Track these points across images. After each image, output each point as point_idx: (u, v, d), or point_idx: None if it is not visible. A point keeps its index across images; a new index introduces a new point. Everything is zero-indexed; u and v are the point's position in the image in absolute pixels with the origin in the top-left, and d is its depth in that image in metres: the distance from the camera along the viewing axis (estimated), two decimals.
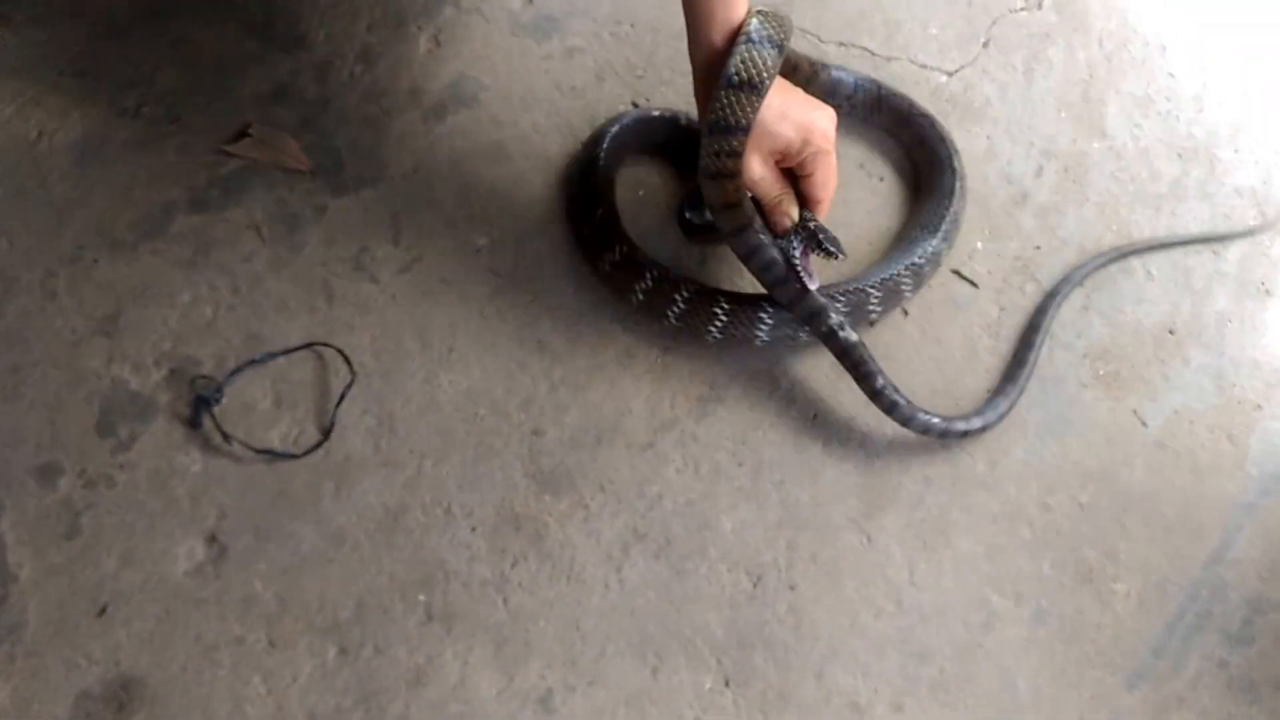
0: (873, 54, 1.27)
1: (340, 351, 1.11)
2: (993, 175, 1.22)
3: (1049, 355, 1.15)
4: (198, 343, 1.11)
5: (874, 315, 1.11)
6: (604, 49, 1.26)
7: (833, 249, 1.01)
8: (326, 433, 1.08)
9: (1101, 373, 1.15)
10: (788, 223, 1.01)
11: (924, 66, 1.26)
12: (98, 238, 1.14)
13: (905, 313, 1.17)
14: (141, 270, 1.13)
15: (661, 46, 1.26)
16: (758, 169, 0.98)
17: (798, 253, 1.01)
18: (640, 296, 1.10)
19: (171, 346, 1.11)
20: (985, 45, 1.28)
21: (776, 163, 0.99)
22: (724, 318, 1.08)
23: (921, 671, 1.03)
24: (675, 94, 1.24)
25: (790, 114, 0.97)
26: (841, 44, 1.27)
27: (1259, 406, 1.15)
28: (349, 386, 1.09)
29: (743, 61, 0.93)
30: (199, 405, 1.08)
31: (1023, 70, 1.27)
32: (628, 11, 1.28)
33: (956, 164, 1.16)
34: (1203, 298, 1.19)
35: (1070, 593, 1.07)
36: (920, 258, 1.11)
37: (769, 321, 1.09)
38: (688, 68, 1.24)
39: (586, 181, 1.15)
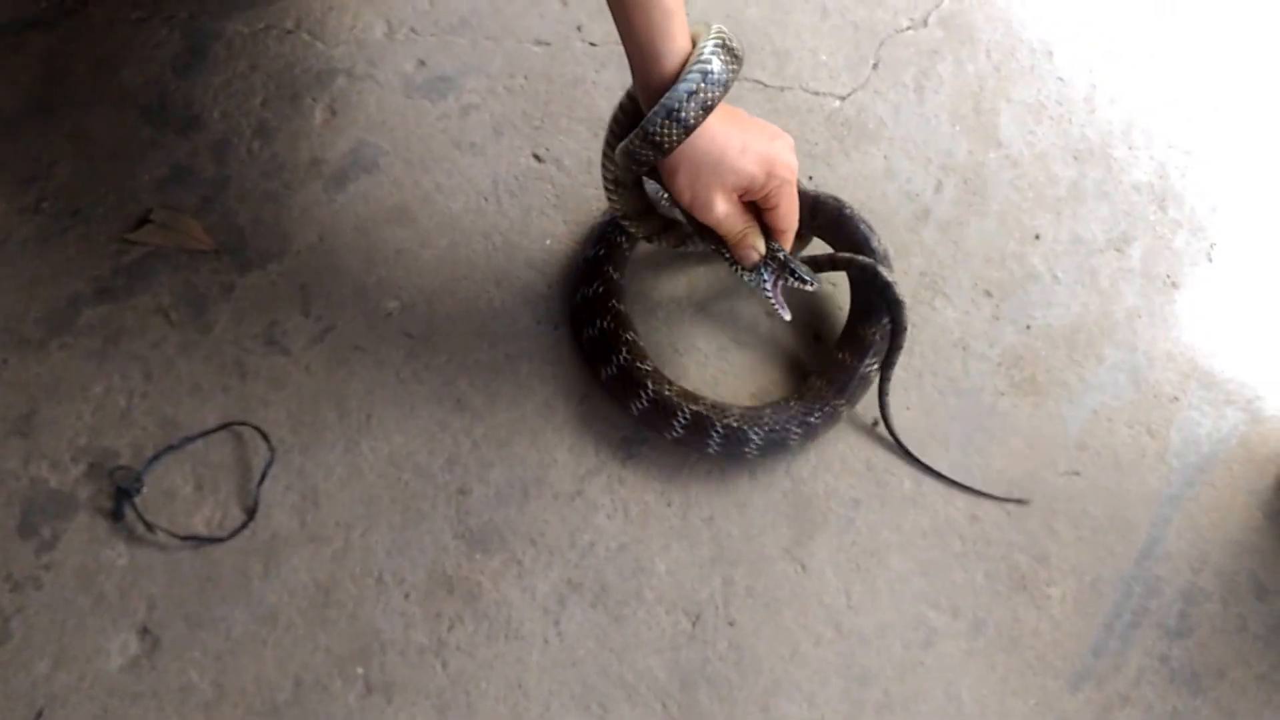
0: (765, 85, 1.28)
1: (258, 429, 1.10)
2: (893, 194, 1.23)
3: (964, 367, 1.16)
4: (114, 434, 1.09)
5: (794, 442, 1.10)
6: (499, 103, 1.26)
7: (805, 278, 0.99)
8: (251, 513, 1.07)
9: (1017, 379, 1.16)
10: (755, 256, 0.98)
11: (816, 93, 1.28)
12: (5, 337, 1.13)
13: (818, 338, 1.18)
14: (52, 366, 1.12)
15: (556, 96, 1.27)
16: (722, 206, 0.95)
17: (769, 285, 0.99)
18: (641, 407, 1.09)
19: (88, 440, 1.09)
20: (875, 67, 1.30)
21: (740, 197, 0.97)
22: (760, 440, 1.07)
23: (866, 695, 1.03)
24: (575, 143, 1.25)
25: (751, 148, 0.93)
26: (744, 80, 1.28)
27: (1175, 399, 1.16)
28: (269, 464, 1.08)
29: (682, 100, 0.89)
30: (120, 497, 1.07)
31: (914, 88, 1.29)
32: (520, 64, 1.28)
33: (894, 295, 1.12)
34: (1110, 296, 1.20)
35: (1006, 601, 1.08)
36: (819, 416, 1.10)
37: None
38: (584, 115, 1.26)
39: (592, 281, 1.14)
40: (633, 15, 0.89)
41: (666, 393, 1.07)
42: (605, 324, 1.11)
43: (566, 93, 1.28)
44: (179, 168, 1.21)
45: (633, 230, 1.06)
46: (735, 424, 1.06)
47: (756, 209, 0.98)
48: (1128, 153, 1.27)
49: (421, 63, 1.28)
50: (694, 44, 0.91)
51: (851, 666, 1.04)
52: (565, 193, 1.23)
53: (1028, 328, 1.19)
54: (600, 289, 1.12)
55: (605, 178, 1.01)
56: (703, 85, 0.88)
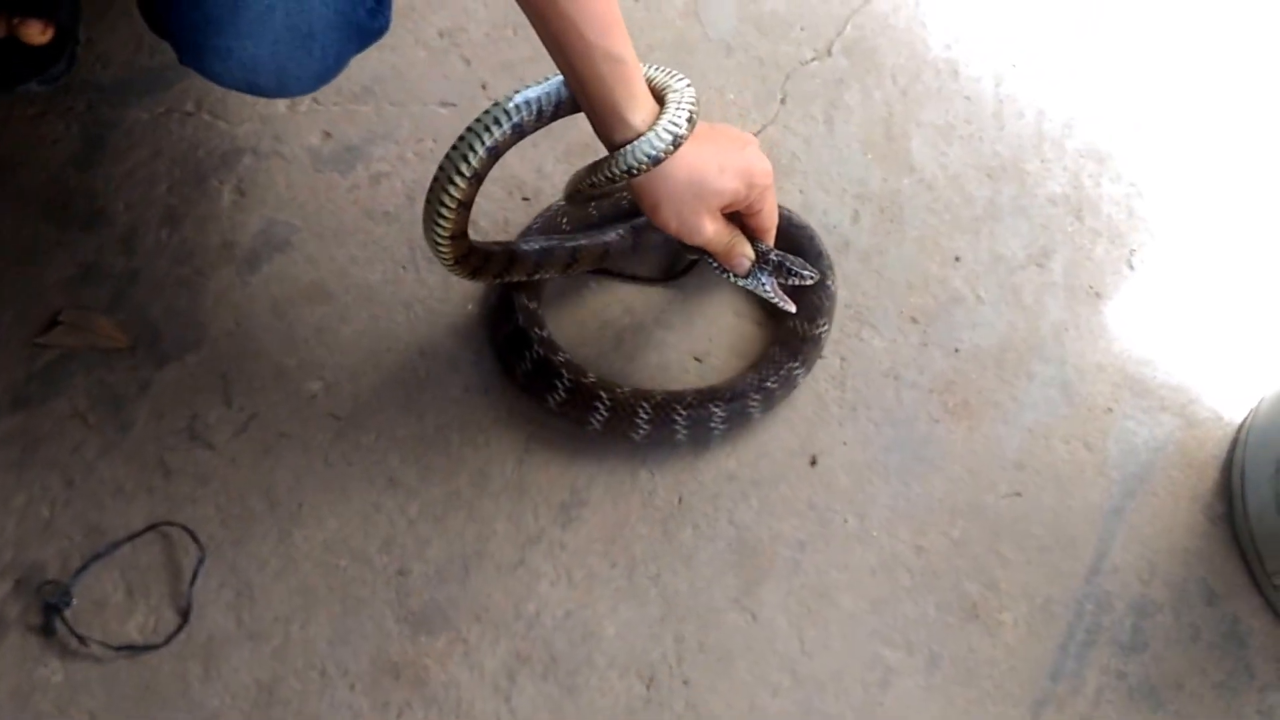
0: None
1: (185, 528, 1.07)
2: (811, 228, 1.23)
3: (897, 396, 1.16)
4: (39, 546, 1.06)
5: (718, 432, 1.11)
6: (410, 169, 1.25)
7: (806, 273, 1.00)
8: (185, 615, 1.04)
9: (950, 404, 1.16)
10: (747, 263, 0.99)
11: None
12: None
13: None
14: None
15: None
16: (709, 228, 0.94)
17: (769, 287, 1.00)
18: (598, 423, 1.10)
19: (13, 556, 1.06)
20: (783, 101, 1.30)
21: (722, 210, 0.96)
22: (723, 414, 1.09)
23: None
24: (489, 203, 1.23)
25: (728, 165, 0.93)
26: None
27: (1109, 410, 1.17)
28: (200, 563, 1.05)
29: (641, 161, 0.89)
30: (49, 612, 1.04)
31: (823, 120, 1.29)
32: (428, 128, 1.27)
33: (830, 282, 1.16)
34: (1035, 312, 1.21)
35: (959, 632, 1.07)
36: (774, 381, 1.11)
37: None
38: (496, 174, 1.23)
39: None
40: (588, 86, 0.87)
41: (620, 393, 1.09)
42: (537, 352, 1.10)
43: None
44: (87, 265, 1.18)
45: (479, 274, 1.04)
46: (695, 404, 1.08)
47: (738, 215, 0.99)
48: (1040, 166, 1.28)
49: (327, 134, 1.27)
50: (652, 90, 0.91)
51: (810, 714, 1.03)
52: None
53: (956, 351, 1.19)
54: (520, 321, 1.11)
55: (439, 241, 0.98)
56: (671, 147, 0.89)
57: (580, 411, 1.08)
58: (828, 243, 1.22)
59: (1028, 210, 1.26)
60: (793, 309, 1.02)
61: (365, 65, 1.30)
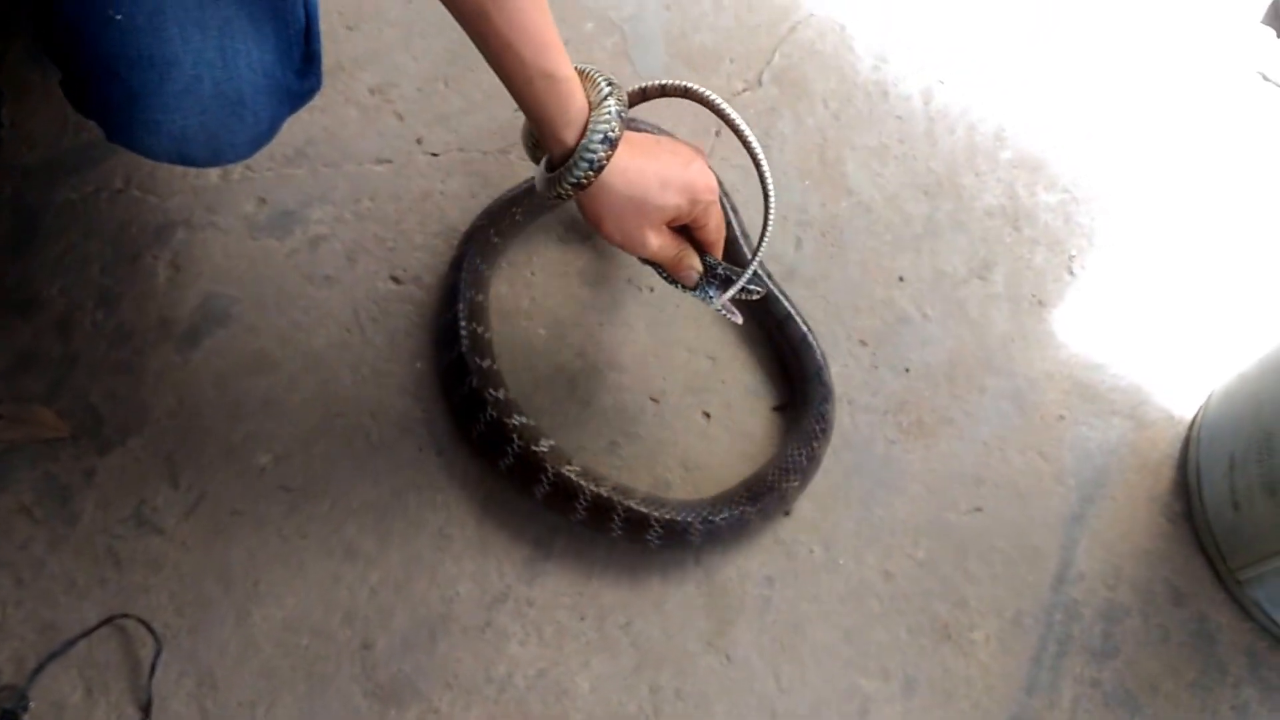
0: None
1: (140, 620, 1.04)
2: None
3: (852, 420, 1.16)
4: None
5: (654, 545, 1.07)
6: (349, 230, 1.23)
7: (751, 289, 0.99)
8: (146, 710, 1.02)
9: (905, 425, 1.16)
10: (695, 275, 0.98)
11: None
12: None
13: (707, 416, 1.16)
14: None
15: (406, 214, 1.24)
16: (654, 241, 0.94)
17: (716, 299, 0.99)
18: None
19: None
20: (718, 134, 1.30)
21: (668, 224, 0.96)
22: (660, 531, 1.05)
23: None
24: (432, 258, 1.22)
25: (670, 180, 0.92)
26: None
27: (1061, 417, 1.17)
28: (158, 654, 1.03)
29: (583, 174, 0.88)
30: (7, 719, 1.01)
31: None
32: (365, 187, 1.26)
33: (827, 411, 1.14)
34: (982, 325, 1.21)
35: (933, 654, 1.07)
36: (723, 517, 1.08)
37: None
38: (438, 228, 1.24)
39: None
40: (526, 102, 0.89)
41: (566, 473, 1.06)
42: (491, 415, 1.08)
43: (416, 208, 1.25)
44: (23, 354, 1.15)
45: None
46: (635, 512, 1.05)
47: (686, 228, 0.99)
48: (975, 180, 1.29)
49: (262, 200, 1.25)
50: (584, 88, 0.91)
51: None
52: (429, 311, 1.20)
53: (907, 371, 1.19)
54: (474, 382, 1.10)
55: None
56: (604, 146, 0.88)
57: (525, 482, 1.07)
58: (774, 273, 1.22)
59: (966, 225, 1.27)
60: (738, 320, 1.01)
61: (297, 127, 1.29)
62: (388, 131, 1.30)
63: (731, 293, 0.98)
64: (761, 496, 1.08)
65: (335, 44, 1.34)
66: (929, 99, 1.34)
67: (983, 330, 1.21)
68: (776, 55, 1.36)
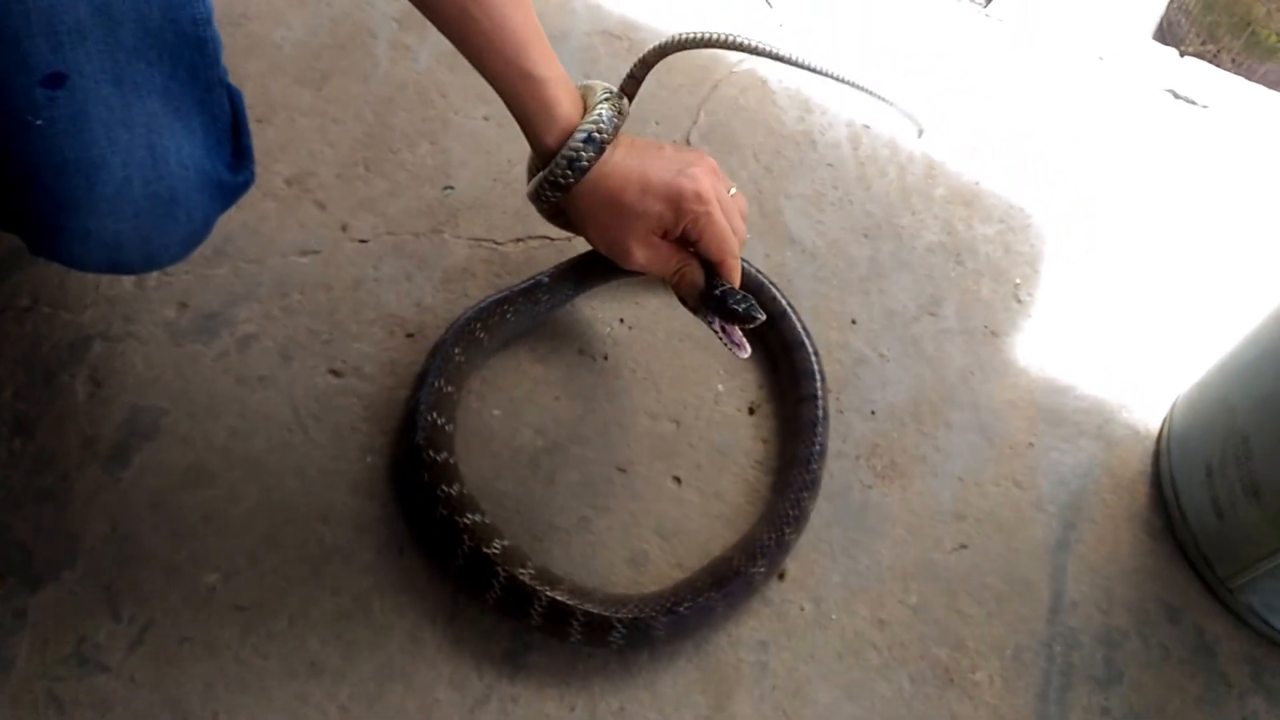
0: (552, 240, 1.24)
1: None
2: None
3: (826, 469, 1.13)
4: None
5: (616, 645, 1.00)
6: (279, 327, 1.17)
7: (752, 314, 0.89)
8: None
9: (879, 468, 1.14)
10: (695, 295, 0.91)
11: None
12: None
13: (678, 480, 1.12)
14: None
15: (340, 303, 1.19)
16: (640, 254, 0.88)
17: (717, 326, 0.91)
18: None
19: None
20: None
21: (663, 236, 0.89)
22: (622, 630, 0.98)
23: None
24: (371, 346, 1.17)
25: (651, 186, 0.86)
26: (517, 240, 1.24)
27: (1030, 444, 1.16)
28: None
29: (564, 169, 0.86)
30: None
31: None
32: (292, 280, 1.20)
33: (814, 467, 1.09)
34: (939, 361, 1.20)
35: (938, 701, 1.03)
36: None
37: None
38: (374, 314, 1.18)
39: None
40: (509, 103, 0.86)
41: (521, 575, 0.99)
42: (441, 513, 1.02)
43: (349, 297, 1.20)
44: None
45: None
46: (594, 615, 0.98)
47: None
48: (913, 219, 1.29)
49: (183, 305, 1.18)
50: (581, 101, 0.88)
51: None
52: (374, 402, 1.14)
53: (872, 413, 1.17)
54: (426, 478, 1.03)
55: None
56: (595, 137, 0.85)
57: (476, 585, 1.01)
58: None
59: (909, 263, 1.26)
60: (744, 354, 0.92)
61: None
62: (310, 221, 1.25)
63: (722, 319, 0.90)
64: (726, 582, 1.02)
65: None
66: (857, 144, 1.34)
67: (941, 365, 1.20)
68: (701, 114, 1.35)
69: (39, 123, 0.79)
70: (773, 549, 1.04)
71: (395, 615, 1.03)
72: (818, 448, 1.10)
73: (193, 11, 0.88)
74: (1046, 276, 1.27)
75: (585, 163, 0.84)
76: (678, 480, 1.12)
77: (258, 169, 1.26)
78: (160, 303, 1.18)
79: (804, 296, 1.23)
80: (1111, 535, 1.12)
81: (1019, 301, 1.25)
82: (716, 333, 0.92)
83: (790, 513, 1.06)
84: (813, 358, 1.13)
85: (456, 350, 1.10)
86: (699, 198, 0.87)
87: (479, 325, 1.12)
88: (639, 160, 0.87)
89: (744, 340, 0.92)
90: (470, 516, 1.01)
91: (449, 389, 1.09)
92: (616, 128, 0.86)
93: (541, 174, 0.86)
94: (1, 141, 0.80)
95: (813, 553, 1.09)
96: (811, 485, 1.08)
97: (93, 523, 1.06)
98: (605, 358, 1.18)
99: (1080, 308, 1.25)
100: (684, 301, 0.93)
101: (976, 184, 1.32)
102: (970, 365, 1.20)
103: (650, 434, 1.14)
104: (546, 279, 1.14)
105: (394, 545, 1.07)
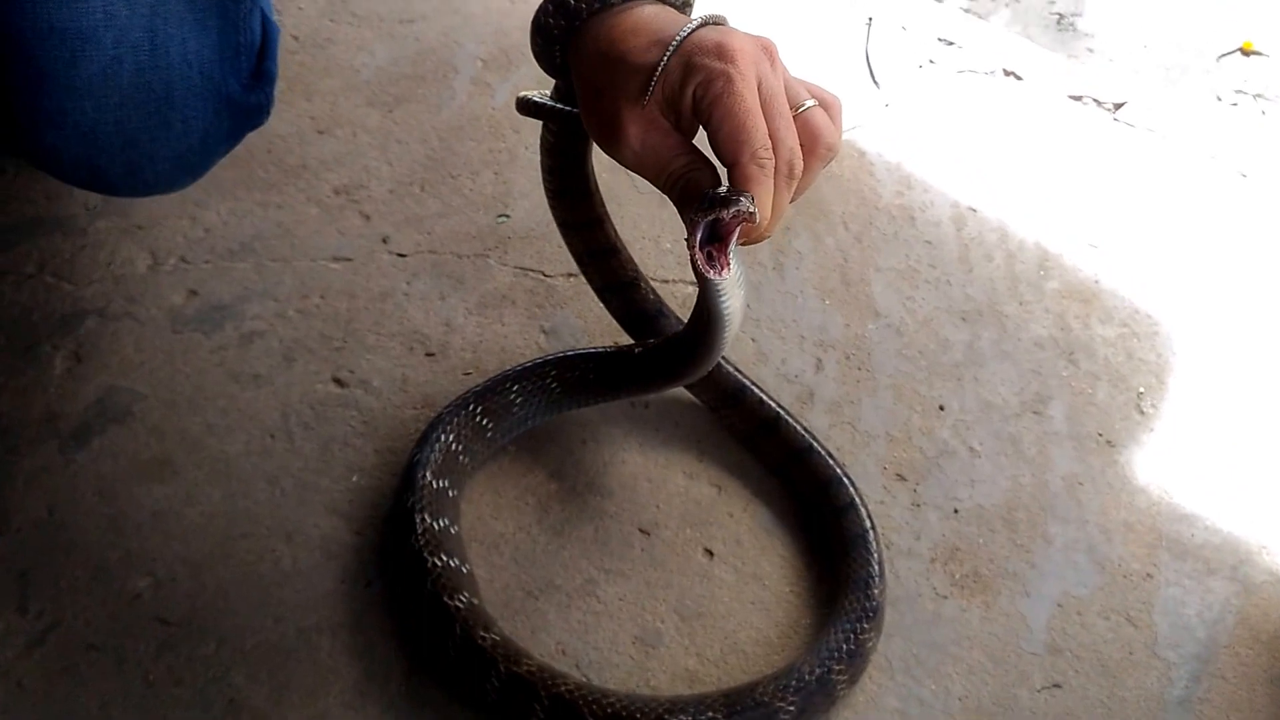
0: None
1: None
2: (769, 378, 1.04)
3: (892, 568, 0.93)
4: None
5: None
6: (290, 327, 1.05)
7: (743, 205, 0.60)
8: None
9: (958, 576, 0.93)
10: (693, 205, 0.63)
11: (666, 281, 1.11)
12: None
13: (710, 554, 0.93)
14: None
15: (361, 313, 1.06)
16: (633, 133, 0.64)
17: (699, 234, 0.62)
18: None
19: None
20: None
21: (675, 123, 0.65)
22: None
23: None
24: (385, 360, 1.03)
25: (663, 32, 0.64)
26: (569, 275, 1.11)
27: (1149, 575, 0.94)
28: None
29: None
30: None
31: (772, 267, 1.14)
32: (316, 283, 1.08)
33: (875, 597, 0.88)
34: (1041, 465, 1.01)
35: None
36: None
37: None
38: (396, 329, 1.06)
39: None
40: None
41: (523, 670, 0.79)
42: (429, 588, 0.83)
43: (373, 307, 1.07)
44: None
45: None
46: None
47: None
48: (1020, 308, 1.12)
49: (193, 293, 1.07)
50: None
51: None
52: (375, 418, 0.99)
53: (955, 512, 0.97)
54: (418, 542, 0.85)
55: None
56: None
57: (472, 680, 0.81)
58: (789, 395, 1.03)
59: (1013, 355, 1.08)
60: (717, 275, 0.63)
61: (245, 221, 1.13)
62: (350, 230, 1.14)
63: (710, 217, 0.62)
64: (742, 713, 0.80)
65: (303, 145, 1.21)
66: (961, 226, 1.19)
67: (1043, 470, 1.00)
68: None
69: None
70: (812, 689, 0.82)
71: (346, 658, 0.85)
72: (877, 568, 0.90)
73: None
74: (1175, 390, 1.08)
75: (574, 2, 0.66)
76: (710, 553, 0.93)
77: (307, 174, 1.18)
78: (169, 287, 1.07)
79: (884, 373, 1.06)
80: (1246, 699, 0.88)
81: (1141, 413, 1.06)
82: (691, 248, 0.63)
83: (842, 646, 0.85)
84: (829, 459, 0.95)
85: (480, 410, 0.94)
86: (720, 51, 0.62)
87: (515, 388, 0.95)
88: (671, 16, 0.67)
89: (721, 259, 0.63)
90: (464, 597, 0.82)
91: (458, 449, 0.92)
92: None
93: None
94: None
95: (867, 669, 0.87)
96: (873, 615, 0.87)
97: (29, 502, 0.92)
98: (647, 405, 1.01)
99: (1214, 428, 1.05)
100: (680, 212, 0.66)
101: (1096, 281, 1.15)
102: (1079, 474, 1.00)
103: (684, 496, 0.96)
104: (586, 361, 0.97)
105: (362, 578, 0.89)
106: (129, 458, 0.95)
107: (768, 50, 0.66)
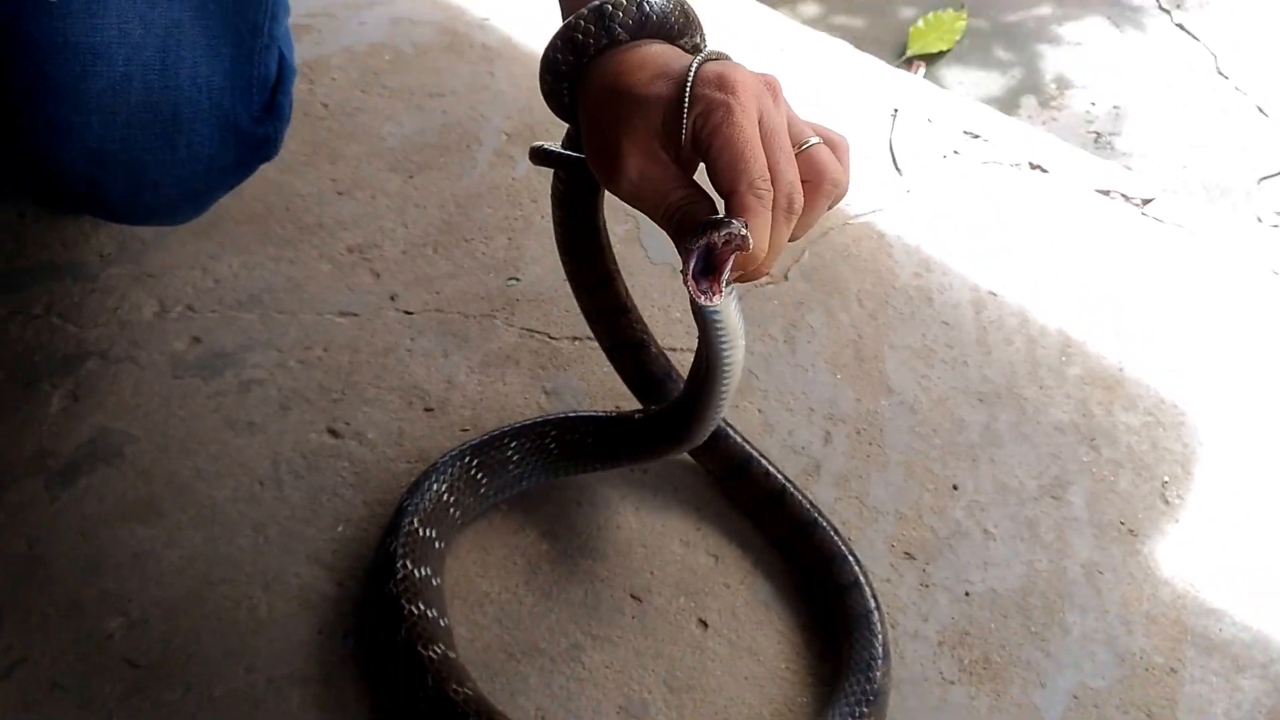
0: None
1: None
2: (774, 448, 1.01)
3: (898, 650, 0.88)
4: None
5: None
6: (290, 377, 1.03)
7: (736, 230, 0.59)
8: None
9: (967, 661, 0.88)
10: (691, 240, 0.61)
11: (674, 349, 1.09)
12: None
13: (704, 624, 0.89)
14: None
15: (362, 366, 1.05)
16: (633, 165, 0.63)
17: (691, 269, 0.60)
18: None
19: None
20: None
21: (674, 156, 0.64)
22: None
23: None
24: (382, 413, 1.01)
25: (670, 70, 0.64)
26: (575, 338, 1.09)
27: (1173, 670, 0.89)
28: None
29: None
30: None
31: (783, 339, 1.11)
32: (320, 336, 1.07)
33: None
34: (1059, 550, 0.96)
35: None
36: None
37: None
38: (396, 383, 1.04)
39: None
40: None
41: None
42: (405, 638, 0.79)
43: (375, 362, 1.06)
44: None
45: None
46: None
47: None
48: (1040, 392, 1.09)
49: (196, 340, 1.06)
50: None
51: None
52: (367, 470, 0.97)
53: (966, 594, 0.92)
54: (395, 589, 0.82)
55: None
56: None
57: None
58: (795, 467, 1.00)
59: (1031, 438, 1.05)
60: (710, 300, 0.61)
61: (256, 274, 1.13)
62: (360, 287, 1.13)
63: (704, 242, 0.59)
64: None
65: (322, 205, 1.22)
66: (980, 308, 1.17)
67: (1061, 556, 0.96)
68: (806, 255, 1.21)
69: (54, 1, 0.71)
70: None
71: (313, 712, 0.81)
72: (880, 650, 0.85)
73: None
74: (1202, 481, 1.03)
75: (584, 41, 0.66)
76: (704, 624, 0.89)
77: (323, 233, 1.19)
78: (174, 334, 1.07)
79: (896, 450, 1.02)
80: None
81: (1166, 502, 1.01)
82: (684, 275, 0.61)
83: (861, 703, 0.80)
84: (835, 535, 0.91)
85: (474, 463, 0.91)
86: (721, 82, 0.61)
87: (512, 444, 0.93)
88: (677, 54, 0.67)
89: (714, 288, 0.61)
90: (439, 649, 0.79)
91: (448, 499, 0.89)
92: (662, 19, 0.67)
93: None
94: (14, 23, 0.72)
95: None
96: (874, 700, 0.82)
97: (8, 536, 0.90)
98: (645, 470, 0.98)
99: (1243, 521, 1.00)
100: (678, 248, 0.64)
101: (1120, 369, 1.12)
102: (1099, 562, 0.95)
103: (680, 564, 0.92)
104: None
105: (338, 629, 0.86)
106: (115, 498, 0.93)
107: (770, 86, 0.65)
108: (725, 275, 0.61)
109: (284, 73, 0.85)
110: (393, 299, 1.12)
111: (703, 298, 0.61)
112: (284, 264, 1.15)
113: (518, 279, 1.16)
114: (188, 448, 0.97)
